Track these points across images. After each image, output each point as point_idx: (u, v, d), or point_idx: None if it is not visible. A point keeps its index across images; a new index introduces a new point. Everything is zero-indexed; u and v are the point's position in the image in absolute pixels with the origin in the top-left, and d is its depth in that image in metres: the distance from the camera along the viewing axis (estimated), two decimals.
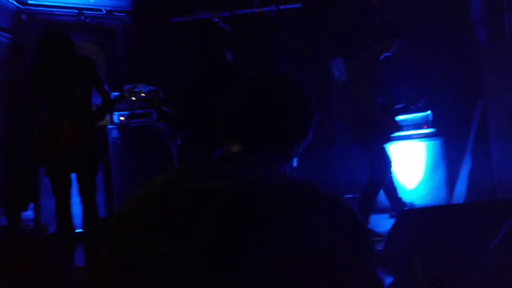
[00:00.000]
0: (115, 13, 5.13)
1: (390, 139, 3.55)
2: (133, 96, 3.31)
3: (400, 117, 3.87)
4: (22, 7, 4.64)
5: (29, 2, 4.67)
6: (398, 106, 3.63)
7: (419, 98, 3.63)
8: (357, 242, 0.80)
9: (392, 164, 3.45)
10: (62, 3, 4.84)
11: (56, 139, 2.94)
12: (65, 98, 2.99)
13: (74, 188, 3.11)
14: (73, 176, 3.08)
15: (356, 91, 3.42)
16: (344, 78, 5.10)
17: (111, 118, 4.54)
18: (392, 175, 3.53)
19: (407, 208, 3.42)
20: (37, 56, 3.11)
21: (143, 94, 3.34)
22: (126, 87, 3.32)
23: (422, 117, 4.49)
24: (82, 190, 3.06)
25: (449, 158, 4.24)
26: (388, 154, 3.45)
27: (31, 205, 4.06)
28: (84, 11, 4.87)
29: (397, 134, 3.71)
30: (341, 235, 0.78)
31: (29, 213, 4.08)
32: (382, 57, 3.55)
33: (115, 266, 0.83)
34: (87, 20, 4.87)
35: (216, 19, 4.67)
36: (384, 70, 3.63)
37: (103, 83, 3.20)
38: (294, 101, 0.99)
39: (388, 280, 1.92)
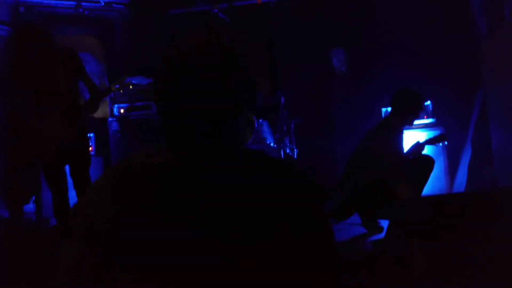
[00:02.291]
0: (114, 5, 5.11)
1: None
2: (121, 89, 3.28)
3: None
4: None
5: None
6: (424, 141, 3.49)
7: (446, 136, 3.51)
8: (313, 211, 0.85)
9: None
10: None
11: (44, 136, 2.89)
12: (50, 93, 2.91)
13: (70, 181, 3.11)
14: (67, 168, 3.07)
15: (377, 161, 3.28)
16: (344, 69, 5.09)
17: (111, 110, 4.54)
18: None
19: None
20: (15, 50, 3.00)
21: (131, 86, 3.32)
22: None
23: None
24: (76, 183, 3.05)
25: (449, 148, 4.25)
26: None
27: (33, 198, 4.07)
28: (82, 3, 4.85)
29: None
30: (297, 202, 0.83)
31: (30, 206, 4.09)
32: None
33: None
34: (85, 12, 4.85)
35: (216, 10, 4.65)
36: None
37: (88, 74, 3.12)
38: (232, 69, 0.90)
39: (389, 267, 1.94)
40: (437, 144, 3.54)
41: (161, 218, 0.81)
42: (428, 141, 3.46)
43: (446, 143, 3.53)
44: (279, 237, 0.80)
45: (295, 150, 4.82)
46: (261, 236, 0.80)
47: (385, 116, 3.50)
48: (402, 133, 3.45)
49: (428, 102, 4.45)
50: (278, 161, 0.90)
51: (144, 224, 0.81)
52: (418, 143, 3.39)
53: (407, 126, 3.49)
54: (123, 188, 0.84)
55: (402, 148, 3.45)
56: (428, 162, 3.45)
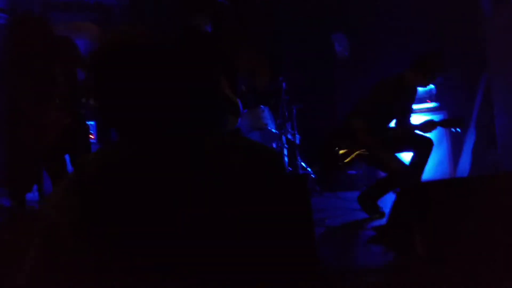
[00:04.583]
0: None
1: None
2: None
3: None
4: None
5: None
6: (438, 120, 3.34)
7: (462, 122, 3.35)
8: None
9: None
10: None
11: (42, 125, 2.92)
12: (48, 82, 2.93)
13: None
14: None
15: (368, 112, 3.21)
16: (346, 53, 5.03)
17: None
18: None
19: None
20: (14, 40, 3.01)
21: None
22: None
23: (426, 91, 4.43)
24: None
25: (452, 132, 4.21)
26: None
27: (35, 186, 4.07)
28: None
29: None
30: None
31: (35, 195, 4.09)
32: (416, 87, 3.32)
33: None
34: None
35: None
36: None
37: (86, 62, 3.14)
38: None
39: (389, 255, 1.92)
40: (451, 129, 3.43)
41: (137, 212, 0.84)
42: (443, 122, 3.34)
43: (459, 130, 3.42)
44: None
45: (296, 135, 4.79)
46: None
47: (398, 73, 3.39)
48: (416, 90, 3.33)
49: (432, 86, 4.40)
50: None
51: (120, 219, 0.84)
52: (431, 120, 3.30)
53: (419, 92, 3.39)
54: (94, 188, 0.87)
55: (411, 107, 3.33)
56: (427, 143, 3.37)
